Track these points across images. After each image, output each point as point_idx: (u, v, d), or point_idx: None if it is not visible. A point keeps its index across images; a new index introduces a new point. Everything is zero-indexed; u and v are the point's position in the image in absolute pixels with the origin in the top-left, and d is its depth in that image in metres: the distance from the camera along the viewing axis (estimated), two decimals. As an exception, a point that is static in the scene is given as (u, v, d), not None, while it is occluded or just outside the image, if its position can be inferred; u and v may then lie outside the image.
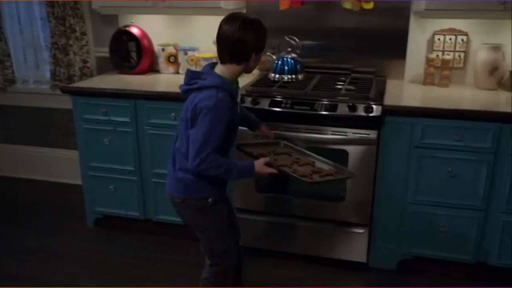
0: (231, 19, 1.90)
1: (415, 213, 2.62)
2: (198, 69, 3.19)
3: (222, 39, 1.90)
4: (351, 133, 2.52)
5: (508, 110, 2.40)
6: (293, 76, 2.85)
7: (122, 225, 3.22)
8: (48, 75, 3.66)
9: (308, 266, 2.80)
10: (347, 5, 2.93)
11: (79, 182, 3.22)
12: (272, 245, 2.87)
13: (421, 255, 2.70)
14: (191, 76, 1.96)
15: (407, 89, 2.89)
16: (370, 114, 2.46)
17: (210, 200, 2.02)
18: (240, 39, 1.86)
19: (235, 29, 1.86)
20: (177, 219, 2.98)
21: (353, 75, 3.02)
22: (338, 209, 2.69)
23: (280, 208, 2.78)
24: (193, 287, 2.53)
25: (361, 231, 2.69)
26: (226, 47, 1.89)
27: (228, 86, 1.90)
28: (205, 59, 3.16)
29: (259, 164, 1.96)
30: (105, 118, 2.94)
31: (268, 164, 1.97)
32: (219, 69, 1.95)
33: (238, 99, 2.04)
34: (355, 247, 2.73)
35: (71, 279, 2.72)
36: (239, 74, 1.97)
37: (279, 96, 2.63)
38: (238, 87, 2.03)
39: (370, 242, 2.73)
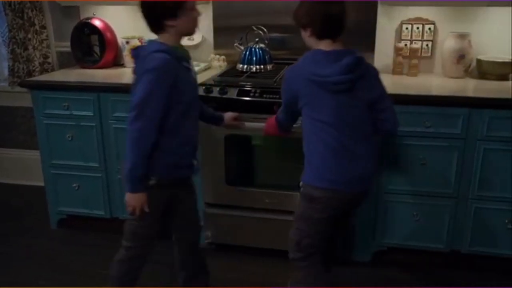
0: None
1: (388, 203, 2.59)
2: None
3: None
4: (321, 121, 2.47)
5: (477, 95, 2.40)
6: (262, 66, 2.80)
7: (87, 225, 3.09)
8: (6, 72, 3.50)
9: (280, 261, 2.72)
10: (315, -5, 2.89)
11: (42, 183, 3.08)
12: (243, 240, 2.79)
13: (395, 245, 2.67)
14: (135, 53, 1.89)
15: (377, 79, 2.86)
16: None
17: (151, 181, 1.88)
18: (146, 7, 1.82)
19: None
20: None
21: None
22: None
23: (250, 201, 2.71)
24: (160, 287, 2.46)
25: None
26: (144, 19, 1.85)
27: (169, 49, 1.81)
28: (171, 51, 3.08)
29: None
30: (67, 112, 2.82)
31: None
32: (158, 39, 1.89)
33: (191, 66, 1.95)
34: (328, 239, 2.67)
35: (33, 280, 2.58)
36: (175, 39, 1.89)
37: (248, 86, 2.57)
38: (186, 51, 1.96)
39: (345, 234, 2.68)
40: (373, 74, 1.91)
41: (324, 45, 1.89)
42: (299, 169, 2.65)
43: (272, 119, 2.17)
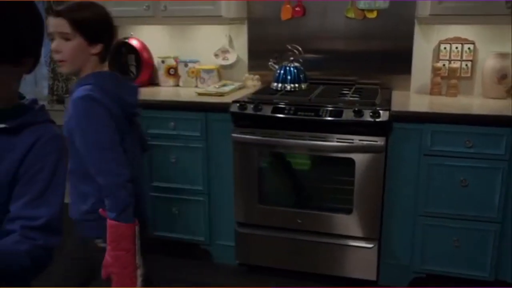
0: None
1: (427, 226, 2.49)
2: (199, 82, 3.14)
3: None
4: (357, 140, 2.41)
5: (522, 114, 2.30)
6: (296, 85, 2.77)
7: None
8: (46, 91, 3.59)
9: (314, 285, 2.64)
10: (350, 14, 2.88)
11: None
12: (275, 262, 2.71)
13: (434, 272, 2.54)
14: None
15: (414, 98, 2.80)
16: (377, 119, 2.36)
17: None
18: None
19: None
20: (176, 235, 2.89)
21: (357, 86, 2.94)
22: (344, 222, 2.55)
23: (282, 221, 2.65)
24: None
25: (369, 245, 2.54)
26: None
27: None
28: (206, 71, 3.10)
29: None
30: (102, 129, 2.84)
31: None
32: None
33: None
34: (363, 263, 2.57)
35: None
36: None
37: (282, 103, 2.54)
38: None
39: (380, 258, 2.58)
40: None
41: (105, 67, 1.69)
42: (332, 190, 2.61)
43: None
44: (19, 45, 1.03)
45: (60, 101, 3.00)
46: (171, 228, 2.89)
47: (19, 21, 1.01)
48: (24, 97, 1.16)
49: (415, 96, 2.86)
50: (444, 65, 2.85)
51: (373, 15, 2.85)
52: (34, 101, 1.17)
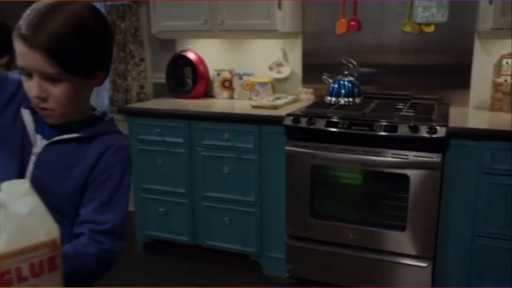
0: None
1: (485, 247, 2.40)
2: (253, 94, 3.19)
3: None
4: (412, 156, 2.37)
5: None
6: (350, 99, 2.77)
7: (171, 250, 3.15)
8: (106, 101, 3.75)
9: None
10: (407, 28, 2.84)
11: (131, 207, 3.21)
12: (325, 276, 2.69)
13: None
14: None
15: (473, 114, 2.73)
16: (434, 136, 2.31)
17: None
18: None
19: None
20: (227, 245, 2.93)
21: (413, 100, 2.89)
22: (398, 239, 2.50)
23: (333, 235, 2.63)
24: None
25: (424, 264, 2.48)
26: None
27: None
28: (260, 84, 3.15)
29: None
30: (159, 138, 2.94)
31: None
32: None
33: None
34: (417, 282, 2.51)
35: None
36: None
37: (335, 117, 2.54)
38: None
39: (434, 278, 2.51)
40: None
41: None
42: (385, 206, 2.57)
43: None
44: (94, 59, 1.10)
45: (120, 111, 3.13)
46: (222, 238, 2.94)
47: (95, 36, 1.08)
48: (95, 109, 1.24)
49: (474, 112, 2.78)
50: (505, 80, 2.75)
51: (430, 29, 2.79)
52: (105, 113, 1.24)
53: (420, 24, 2.82)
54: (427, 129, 2.33)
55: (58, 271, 0.83)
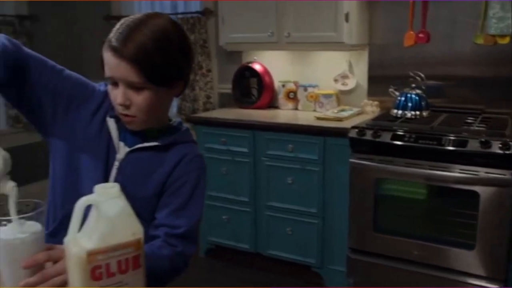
0: None
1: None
2: (318, 106, 3.20)
3: None
4: (483, 172, 2.29)
5: None
6: (417, 112, 2.72)
7: (232, 257, 3.21)
8: (174, 109, 3.90)
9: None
10: (479, 40, 2.75)
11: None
12: (388, 292, 2.65)
13: None
14: None
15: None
16: (507, 152, 2.22)
17: None
18: None
19: None
20: (288, 255, 2.95)
21: (484, 115, 2.80)
22: (465, 258, 2.42)
23: (397, 251, 2.58)
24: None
25: (494, 287, 2.37)
26: None
27: None
28: (324, 95, 3.16)
29: None
30: (224, 147, 3.02)
31: None
32: None
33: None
34: (485, 304, 2.41)
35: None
36: None
37: (401, 130, 2.50)
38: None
39: (504, 301, 2.40)
40: None
41: None
42: (452, 223, 2.49)
43: None
44: (175, 70, 1.17)
45: (187, 120, 3.24)
46: (284, 248, 2.96)
47: (176, 49, 1.15)
48: (171, 119, 1.31)
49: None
50: None
51: (505, 41, 2.69)
52: (180, 123, 1.31)
53: (494, 35, 2.73)
54: (500, 145, 2.24)
55: (141, 269, 0.90)
